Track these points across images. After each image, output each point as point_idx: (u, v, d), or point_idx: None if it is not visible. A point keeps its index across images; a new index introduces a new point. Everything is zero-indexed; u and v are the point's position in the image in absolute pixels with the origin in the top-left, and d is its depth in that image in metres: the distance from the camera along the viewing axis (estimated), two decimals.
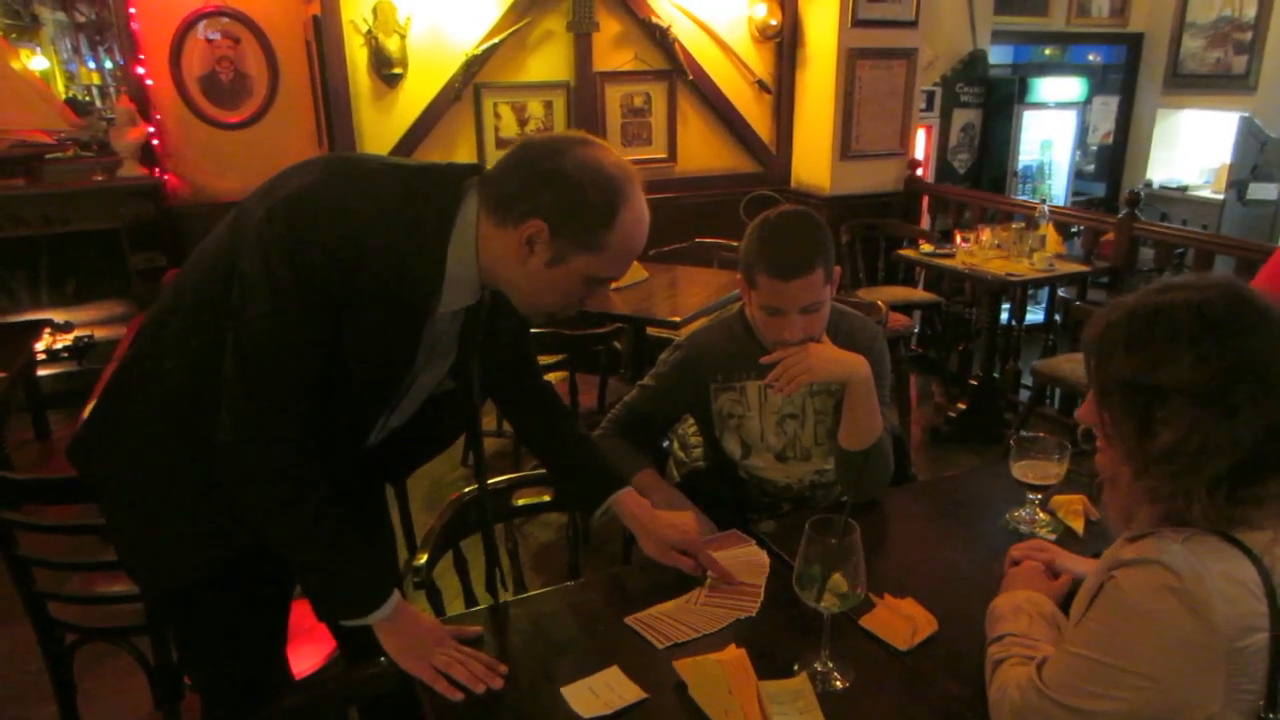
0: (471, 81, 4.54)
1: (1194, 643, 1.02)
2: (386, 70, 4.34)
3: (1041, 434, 1.73)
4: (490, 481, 1.88)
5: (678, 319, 3.32)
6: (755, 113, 5.30)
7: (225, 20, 4.58)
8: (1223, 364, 1.03)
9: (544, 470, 1.85)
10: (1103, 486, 1.20)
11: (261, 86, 4.73)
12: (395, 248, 1.28)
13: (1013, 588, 1.44)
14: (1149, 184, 7.85)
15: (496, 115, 4.67)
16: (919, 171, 5.46)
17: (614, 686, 1.34)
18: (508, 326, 1.56)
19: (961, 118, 6.84)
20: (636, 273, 3.80)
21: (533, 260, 1.32)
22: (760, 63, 5.22)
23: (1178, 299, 1.08)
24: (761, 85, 5.23)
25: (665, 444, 2.35)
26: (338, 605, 1.40)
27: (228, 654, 1.54)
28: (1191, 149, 7.89)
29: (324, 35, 4.22)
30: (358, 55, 4.30)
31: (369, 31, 4.26)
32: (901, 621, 1.45)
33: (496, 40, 4.51)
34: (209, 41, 4.60)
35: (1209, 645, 1.01)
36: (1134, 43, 7.72)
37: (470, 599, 1.81)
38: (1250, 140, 6.88)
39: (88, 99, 6.60)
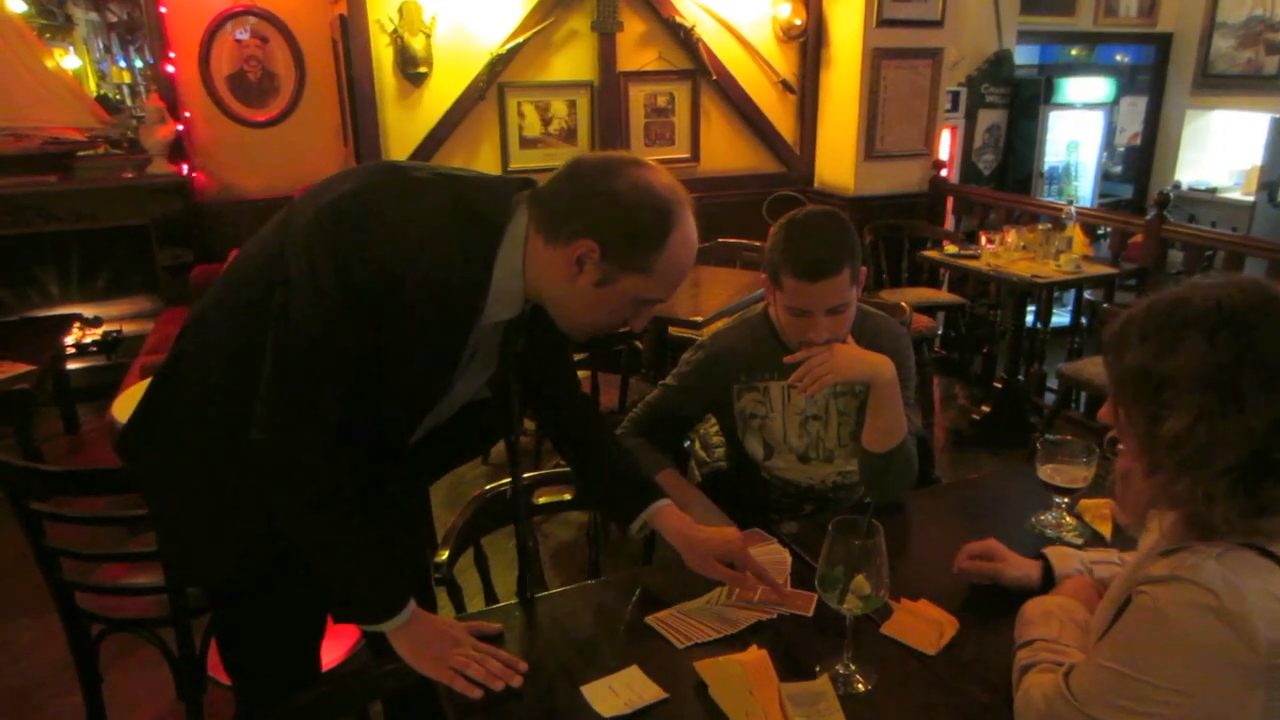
0: (496, 81, 4.55)
1: (1234, 661, 0.99)
2: (412, 69, 4.36)
3: (1069, 437, 1.72)
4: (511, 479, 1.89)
5: (700, 319, 3.31)
6: (779, 113, 5.29)
7: (254, 20, 4.62)
8: (1234, 353, 1.01)
9: (567, 470, 1.84)
10: (1116, 484, 1.18)
11: (288, 85, 4.77)
12: (443, 260, 1.29)
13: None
14: (1177, 185, 7.76)
15: (520, 114, 4.68)
16: (943, 172, 5.42)
17: (634, 686, 1.34)
18: (547, 339, 1.55)
19: (987, 118, 6.79)
20: None
21: (581, 279, 1.32)
22: (784, 62, 5.20)
23: (1198, 293, 1.07)
24: (785, 85, 5.21)
25: (686, 444, 2.35)
26: (353, 612, 1.41)
27: (266, 649, 1.56)
28: (1221, 150, 7.79)
29: (350, 34, 4.25)
30: (383, 54, 4.32)
31: (395, 31, 4.28)
32: (926, 625, 1.44)
33: (521, 40, 4.52)
34: (237, 41, 4.64)
35: (1249, 664, 0.99)
36: (1163, 43, 7.64)
37: (490, 596, 1.81)
38: None
39: (118, 97, 6.68)
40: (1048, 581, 1.49)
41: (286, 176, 4.56)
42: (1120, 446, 1.16)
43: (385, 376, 1.35)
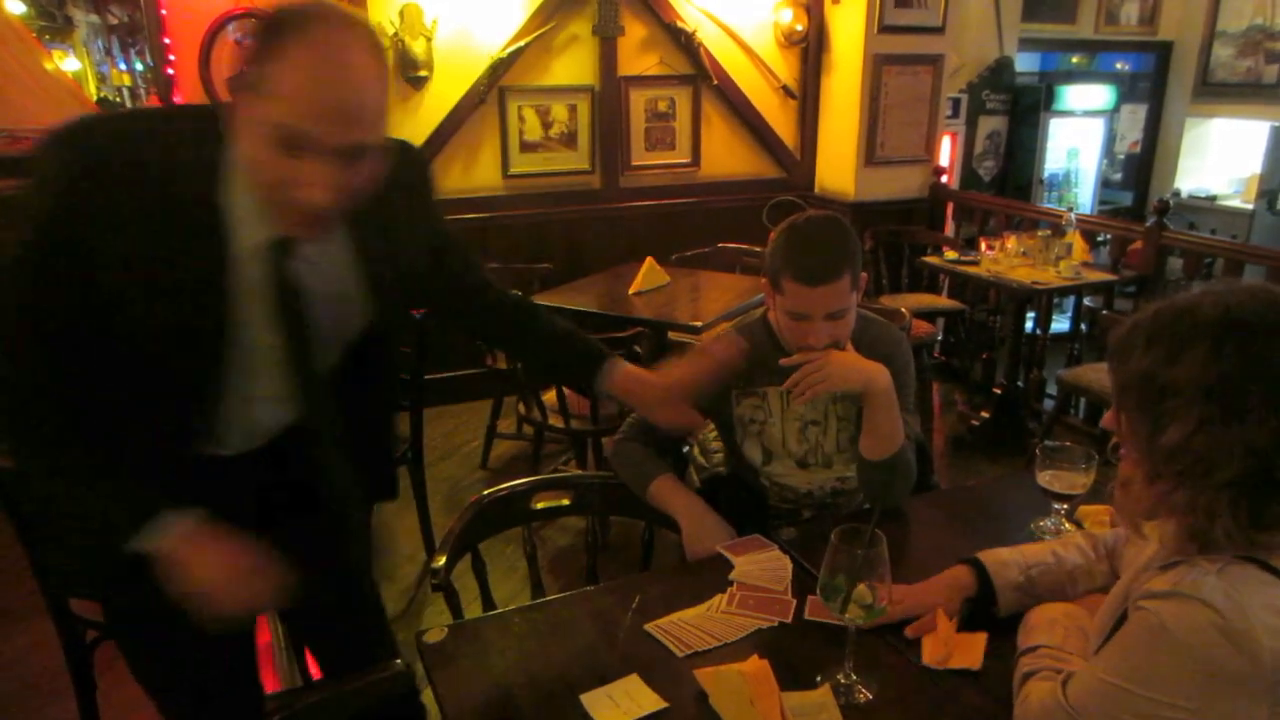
0: (496, 85, 4.55)
1: (1238, 677, 0.98)
2: (412, 73, 4.35)
3: (1067, 443, 1.71)
4: (509, 485, 1.88)
5: (699, 324, 3.31)
6: (780, 118, 5.28)
7: (255, 23, 4.61)
8: (1239, 363, 1.00)
9: (566, 475, 1.84)
10: (1115, 491, 1.16)
11: None
12: (160, 140, 1.20)
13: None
14: (1177, 193, 7.76)
15: (521, 119, 4.68)
16: (944, 178, 5.42)
17: (633, 695, 1.33)
18: (406, 240, 1.45)
19: (988, 125, 6.80)
20: (658, 277, 3.79)
21: (241, 137, 1.17)
22: (785, 68, 5.20)
23: (1207, 299, 1.05)
24: (786, 91, 5.21)
25: (686, 449, 2.34)
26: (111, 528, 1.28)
27: (185, 682, 1.49)
28: (1221, 158, 7.80)
29: None
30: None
31: (395, 34, 4.27)
32: (939, 643, 1.41)
33: (522, 44, 4.52)
34: (238, 43, 4.64)
35: (1254, 680, 0.98)
36: (1163, 51, 7.65)
37: (488, 603, 1.80)
38: None
39: (118, 100, 6.69)
40: (984, 581, 1.45)
41: None
42: (1122, 452, 1.15)
43: (133, 307, 1.21)
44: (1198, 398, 1.01)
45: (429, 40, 4.33)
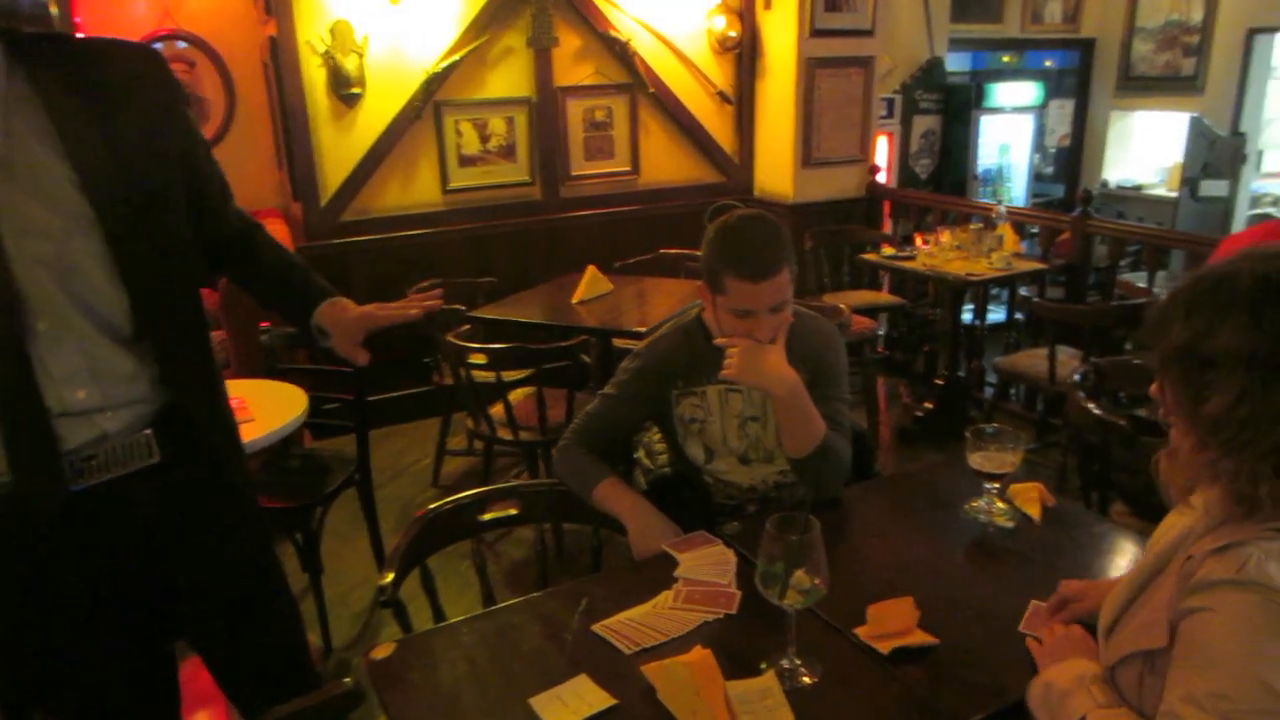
0: (432, 99, 4.54)
1: None
2: (345, 90, 4.32)
3: (996, 425, 1.76)
4: (455, 498, 1.88)
5: (644, 329, 3.33)
6: (717, 124, 5.34)
7: (180, 45, 4.56)
8: (1277, 330, 1.00)
9: (515, 485, 1.84)
10: (1161, 460, 1.16)
11: (218, 110, 4.70)
12: None
13: (1055, 658, 1.30)
14: (1105, 184, 8.00)
15: (458, 133, 4.67)
16: (880, 177, 5.52)
17: (583, 694, 1.34)
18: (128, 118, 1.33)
19: (922, 124, 6.94)
20: (601, 285, 3.81)
21: None
22: (721, 74, 5.26)
23: (1244, 267, 1.04)
24: (722, 96, 5.27)
25: (635, 455, 2.36)
26: None
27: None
28: (1145, 149, 8.06)
29: (280, 57, 4.21)
30: (315, 76, 4.29)
31: (326, 52, 4.25)
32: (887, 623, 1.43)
33: (456, 58, 4.52)
34: None
35: None
36: (1086, 47, 7.88)
37: (440, 617, 1.80)
38: (1200, 139, 7.04)
39: None
40: None
41: None
42: (1171, 419, 1.14)
43: None
44: (1238, 368, 1.01)
45: (361, 57, 4.31)
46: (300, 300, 1.66)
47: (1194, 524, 1.15)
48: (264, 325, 3.30)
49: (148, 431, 1.40)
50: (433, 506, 1.85)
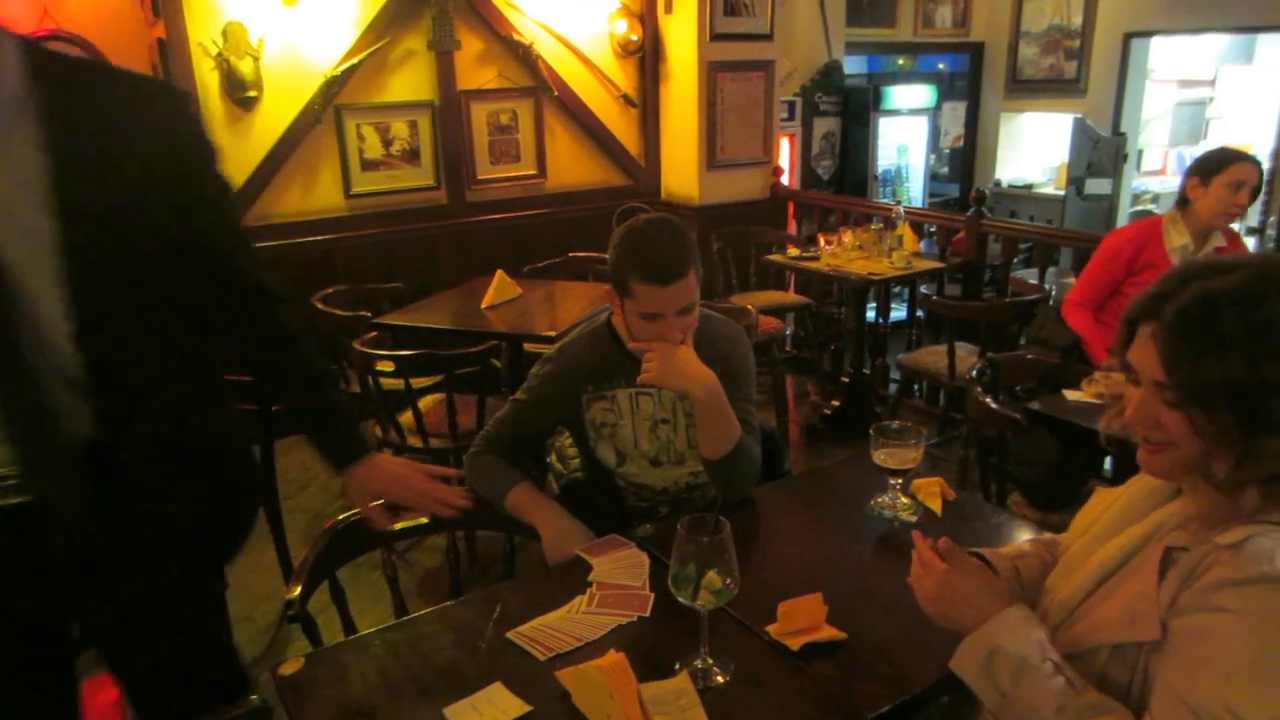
0: (332, 103, 4.44)
1: None
2: (240, 94, 4.20)
3: (897, 422, 1.82)
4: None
5: (554, 334, 3.32)
6: (622, 127, 5.36)
7: (61, 44, 4.35)
8: None
9: None
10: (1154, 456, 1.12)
11: None
12: None
13: (968, 604, 1.22)
14: (998, 183, 8.30)
15: (360, 137, 4.58)
16: (783, 179, 5.62)
17: (497, 702, 1.34)
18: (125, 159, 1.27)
19: (823, 126, 7.09)
20: (510, 289, 3.79)
21: None
22: (624, 77, 5.29)
23: (1254, 286, 1.02)
24: (627, 99, 5.30)
25: (548, 459, 2.35)
26: None
27: None
28: (1033, 149, 8.40)
29: (170, 59, 4.06)
30: (209, 79, 4.15)
31: (219, 54, 4.12)
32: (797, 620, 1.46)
33: (356, 60, 4.43)
34: None
35: None
36: (976, 51, 8.17)
37: (351, 630, 1.77)
38: (1084, 139, 7.37)
39: None
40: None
41: None
42: (1150, 448, 1.12)
43: None
44: None
45: (256, 60, 4.19)
46: (330, 445, 1.61)
47: (1165, 517, 1.16)
48: None
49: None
50: (342, 517, 1.82)
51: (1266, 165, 6.45)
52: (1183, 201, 3.07)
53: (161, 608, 1.49)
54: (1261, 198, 6.59)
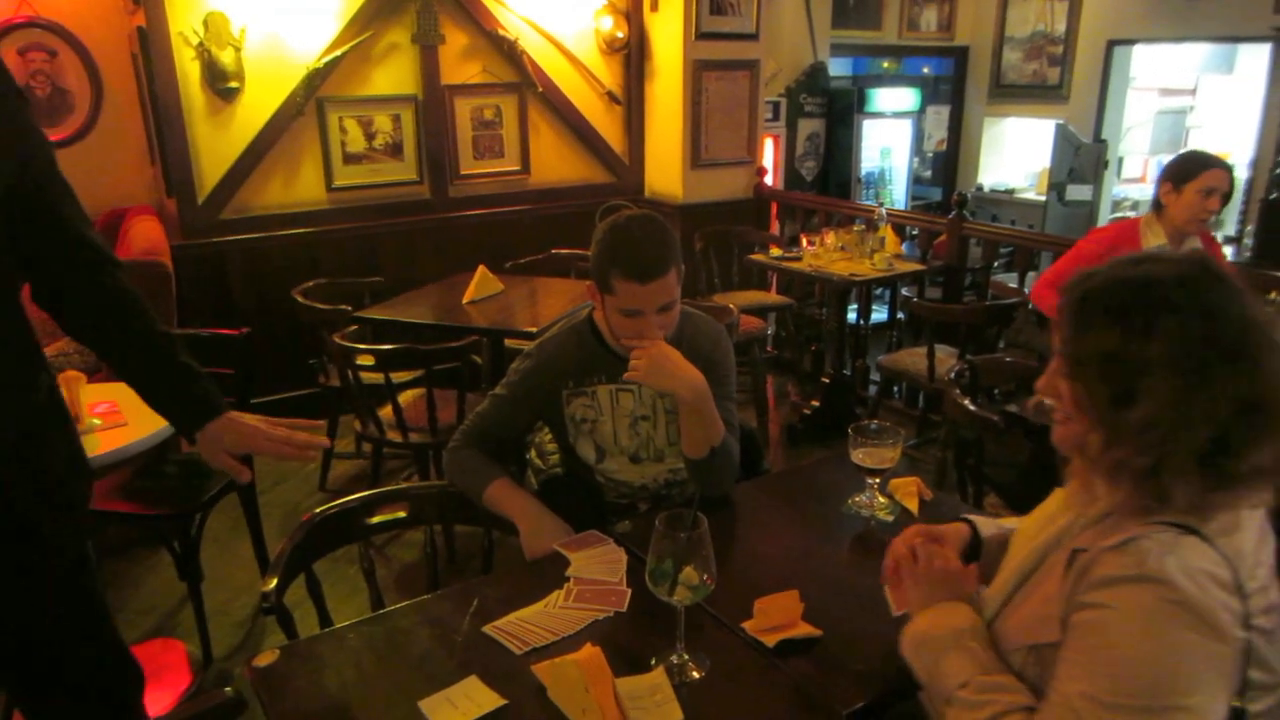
0: (314, 95, 4.41)
1: (1209, 654, 1.00)
2: (221, 84, 4.16)
3: (876, 422, 1.82)
4: (341, 501, 1.84)
5: (535, 329, 3.32)
6: (606, 124, 5.36)
7: (39, 31, 4.30)
8: (1203, 334, 1.02)
9: (389, 489, 1.81)
10: (1062, 462, 1.17)
11: (84, 102, 4.46)
12: None
13: (927, 598, 1.30)
14: (980, 187, 8.36)
15: (343, 130, 4.56)
16: (767, 179, 5.63)
17: (472, 696, 1.34)
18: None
19: (807, 127, 7.11)
20: (492, 285, 3.78)
21: None
22: (609, 74, 5.28)
23: (1157, 271, 1.06)
24: (611, 97, 5.29)
25: (528, 456, 2.35)
26: None
27: None
28: (1016, 154, 8.46)
29: (150, 48, 4.02)
30: (189, 68, 4.11)
31: (201, 44, 4.08)
32: (774, 616, 1.47)
33: (339, 53, 4.40)
34: (20, 55, 4.31)
35: (1221, 654, 1.00)
36: (960, 55, 8.22)
37: (327, 623, 1.76)
38: (1066, 145, 7.43)
39: None
40: (976, 541, 1.46)
41: (88, 197, 4.13)
42: (1058, 417, 1.16)
43: None
44: (1169, 374, 1.02)
45: (238, 50, 4.16)
46: (182, 406, 1.58)
47: (1074, 518, 1.19)
48: None
49: None
50: (319, 510, 1.81)
51: (1245, 175, 6.53)
52: (1157, 206, 3.13)
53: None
54: (1239, 207, 6.69)
